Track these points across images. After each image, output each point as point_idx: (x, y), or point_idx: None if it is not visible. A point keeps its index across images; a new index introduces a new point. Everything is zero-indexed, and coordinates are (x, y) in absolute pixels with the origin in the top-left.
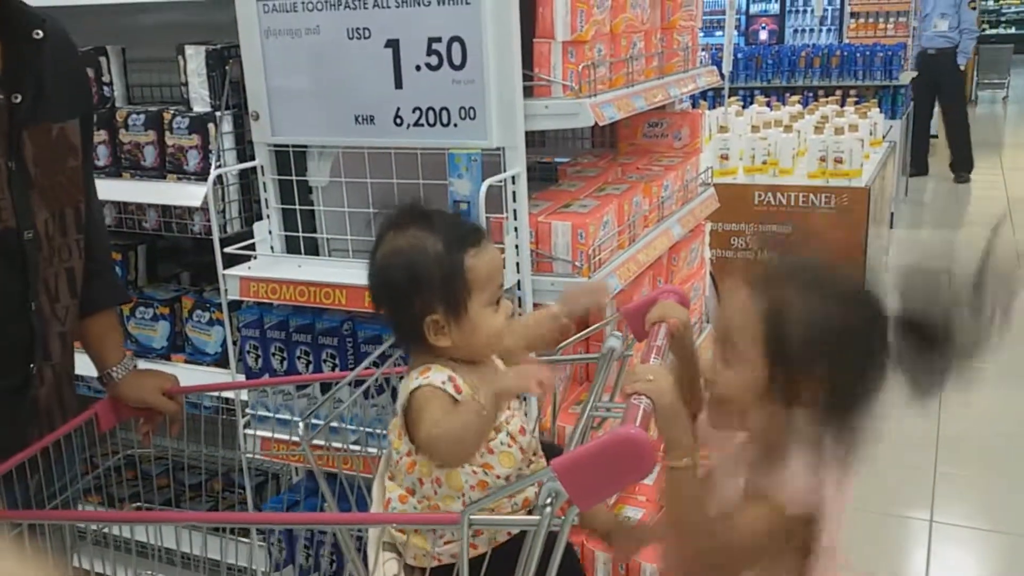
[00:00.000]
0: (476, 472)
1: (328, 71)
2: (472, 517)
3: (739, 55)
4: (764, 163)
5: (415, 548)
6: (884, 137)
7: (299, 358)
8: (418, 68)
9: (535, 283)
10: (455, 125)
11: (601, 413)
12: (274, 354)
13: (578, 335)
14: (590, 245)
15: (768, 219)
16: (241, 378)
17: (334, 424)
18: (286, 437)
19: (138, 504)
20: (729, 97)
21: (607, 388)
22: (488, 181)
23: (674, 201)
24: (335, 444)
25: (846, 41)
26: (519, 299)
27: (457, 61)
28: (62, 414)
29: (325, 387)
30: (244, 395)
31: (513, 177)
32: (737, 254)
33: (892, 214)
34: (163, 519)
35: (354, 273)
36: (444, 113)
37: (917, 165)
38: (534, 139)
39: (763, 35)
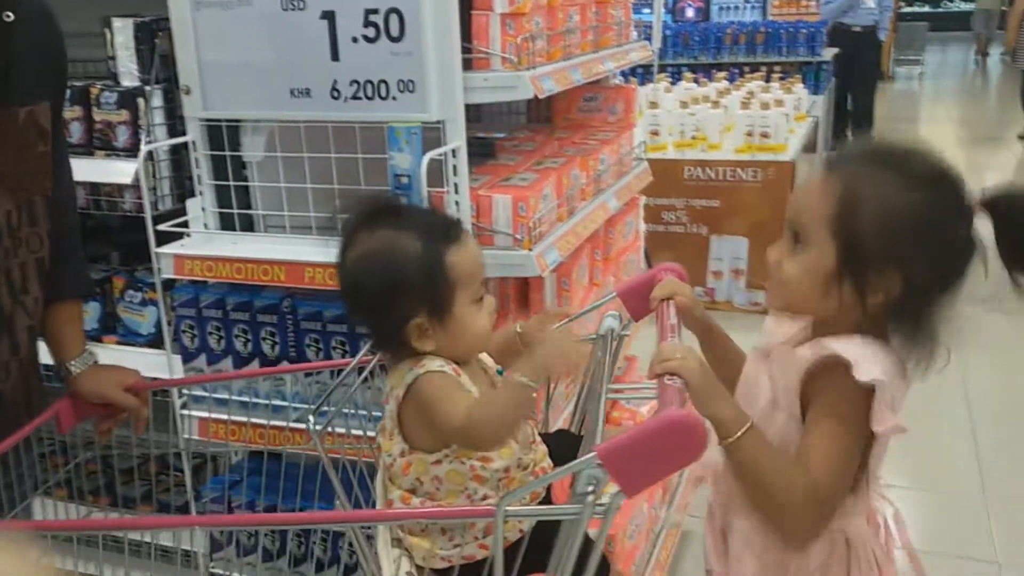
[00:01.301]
0: (474, 466)
1: (262, 43)
2: (508, 508)
3: (667, 32)
4: (693, 139)
5: (423, 549)
6: (808, 112)
7: (237, 337)
8: (355, 40)
9: None
10: (394, 98)
11: (614, 396)
12: (211, 333)
13: (572, 316)
14: (530, 218)
15: (697, 193)
16: (177, 359)
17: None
18: (225, 417)
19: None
20: (658, 74)
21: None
22: (429, 154)
23: (610, 175)
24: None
25: (770, 18)
26: None
27: (395, 33)
28: (28, 409)
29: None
30: (180, 375)
31: (454, 151)
32: (669, 228)
33: None
34: (195, 523)
35: (291, 249)
36: (382, 86)
37: (839, 139)
38: (470, 114)
39: (690, 12)
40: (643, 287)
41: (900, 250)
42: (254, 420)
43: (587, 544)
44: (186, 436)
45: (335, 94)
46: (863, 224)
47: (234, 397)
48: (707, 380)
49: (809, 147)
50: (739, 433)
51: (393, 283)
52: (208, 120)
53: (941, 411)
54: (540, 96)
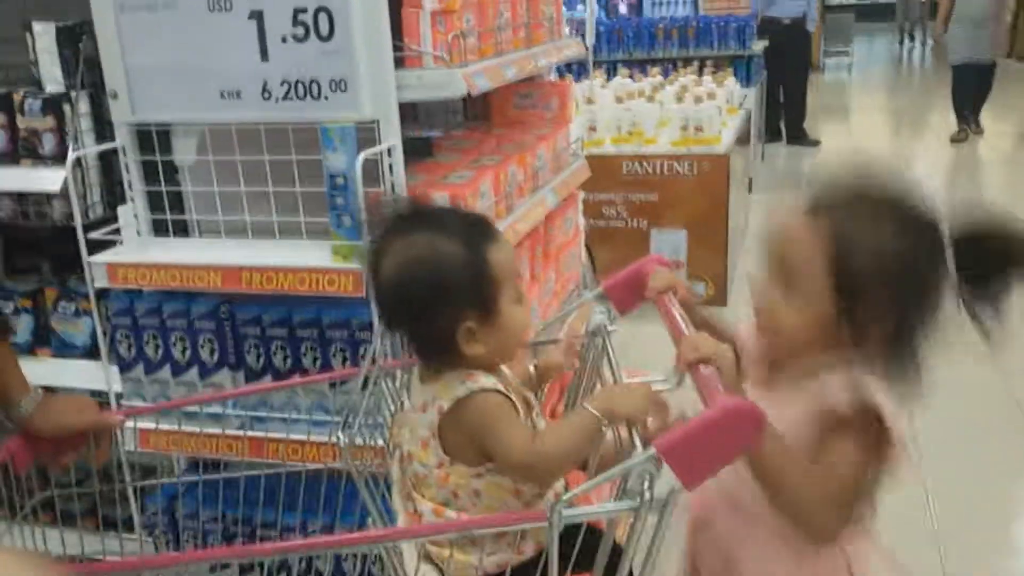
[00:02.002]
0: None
1: (189, 45)
2: (565, 511)
3: (601, 28)
4: (629, 133)
5: (459, 563)
6: (740, 105)
7: (174, 344)
8: (284, 40)
9: None
10: (326, 98)
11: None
12: (147, 342)
13: (560, 315)
14: None
15: (636, 188)
16: (113, 369)
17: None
18: (170, 427)
19: None
20: (594, 70)
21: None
22: (364, 154)
23: (547, 171)
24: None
25: (702, 13)
26: None
27: (324, 31)
28: None
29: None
30: (117, 386)
31: (389, 150)
32: (609, 223)
33: (751, 179)
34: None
35: (227, 254)
36: (314, 86)
37: (771, 131)
38: (406, 113)
39: (623, 8)
40: (627, 282)
41: (895, 292)
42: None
43: (614, 549)
44: (127, 448)
45: (266, 95)
46: (862, 270)
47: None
48: (734, 368)
49: (743, 139)
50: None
51: (441, 288)
52: (137, 125)
53: None
54: (473, 93)
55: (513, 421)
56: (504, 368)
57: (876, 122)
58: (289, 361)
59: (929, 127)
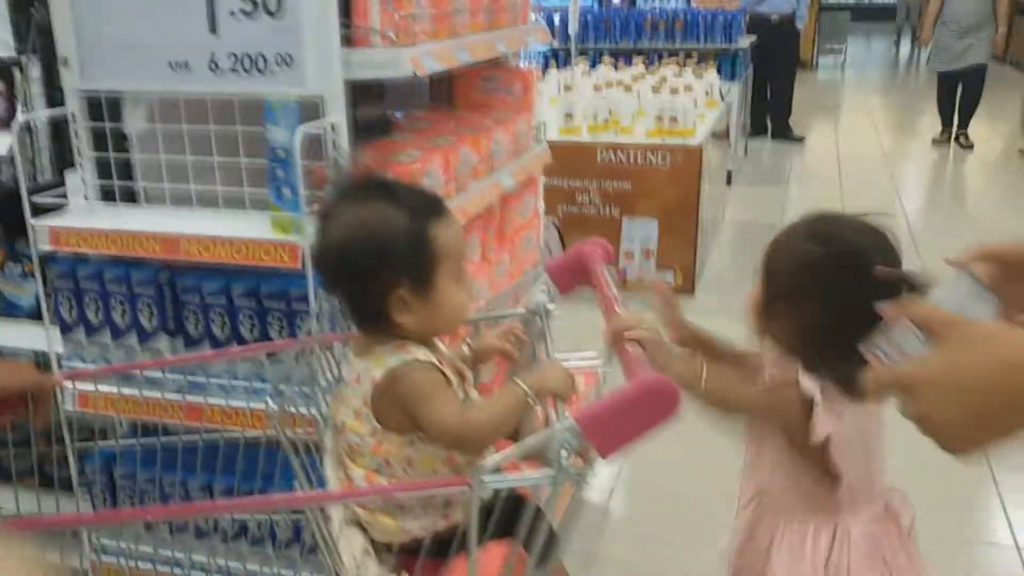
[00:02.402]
0: (444, 451)
1: (140, 15)
2: (485, 479)
3: (589, 17)
4: (606, 122)
5: (385, 526)
6: (723, 98)
7: (115, 309)
8: (233, 13)
9: None
10: (272, 72)
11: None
12: (88, 306)
13: (502, 292)
14: None
15: (610, 176)
16: (55, 331)
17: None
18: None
19: None
20: (579, 57)
21: None
22: (303, 128)
23: (505, 154)
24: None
25: (693, 6)
26: None
27: (273, 7)
28: None
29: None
30: (59, 347)
31: (333, 126)
32: (582, 210)
33: (730, 172)
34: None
35: (171, 222)
36: (260, 59)
37: (756, 126)
38: (373, 93)
39: None
40: (569, 263)
41: (795, 291)
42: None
43: (536, 514)
44: (67, 408)
45: (213, 67)
46: (776, 269)
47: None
48: (661, 344)
49: (721, 133)
50: (703, 378)
51: (380, 253)
52: (87, 92)
53: None
54: (420, 74)
55: (444, 392)
56: (439, 343)
57: (862, 121)
58: (227, 330)
59: (913, 128)
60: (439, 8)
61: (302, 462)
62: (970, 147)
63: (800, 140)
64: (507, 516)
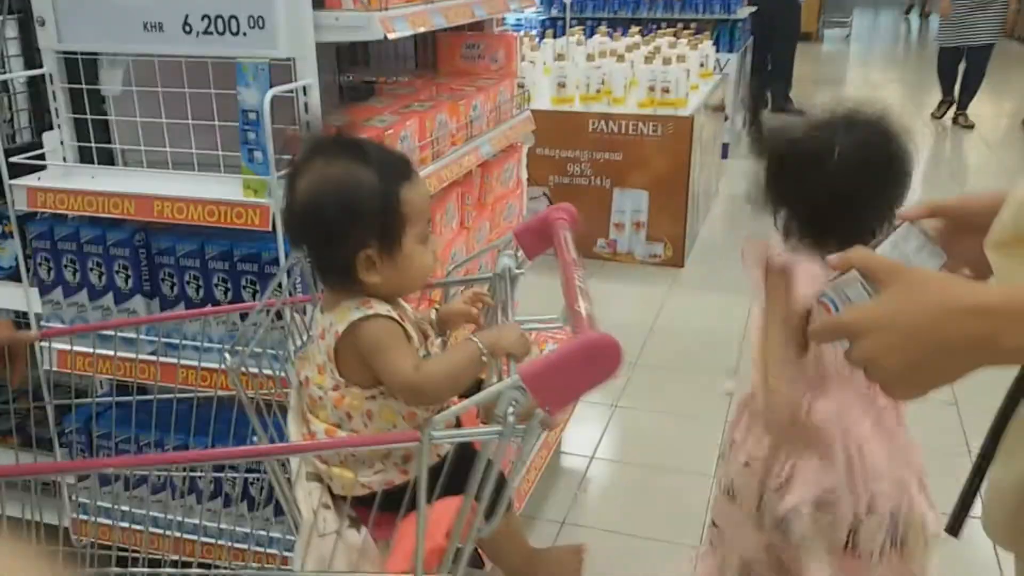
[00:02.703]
0: (404, 406)
1: None
2: (434, 433)
3: None
4: (598, 92)
5: (343, 478)
6: (722, 69)
7: (91, 270)
8: None
9: None
10: (244, 34)
11: (528, 325)
12: (66, 266)
13: (471, 256)
14: None
15: (601, 146)
16: (34, 291)
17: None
18: (86, 350)
19: None
20: (577, 27)
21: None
22: (273, 90)
23: (485, 121)
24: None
25: None
26: None
27: None
28: None
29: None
30: (37, 307)
31: (304, 88)
32: (573, 180)
33: (727, 144)
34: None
35: (146, 183)
36: (233, 21)
37: (759, 98)
38: (357, 58)
39: None
40: (536, 228)
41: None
42: (117, 353)
43: (487, 468)
44: (46, 368)
45: (187, 28)
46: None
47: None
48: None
49: (716, 104)
50: None
51: (349, 211)
52: (64, 52)
53: None
54: (391, 37)
55: (402, 345)
56: (404, 303)
57: (864, 93)
58: (201, 291)
59: (916, 103)
60: None
61: (263, 419)
62: (970, 127)
63: (801, 114)
64: (462, 471)
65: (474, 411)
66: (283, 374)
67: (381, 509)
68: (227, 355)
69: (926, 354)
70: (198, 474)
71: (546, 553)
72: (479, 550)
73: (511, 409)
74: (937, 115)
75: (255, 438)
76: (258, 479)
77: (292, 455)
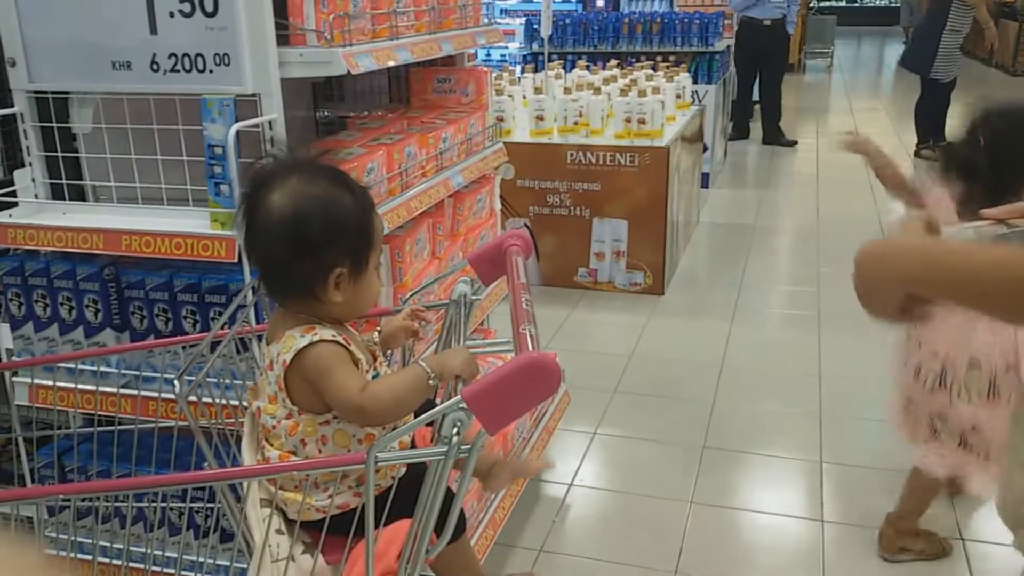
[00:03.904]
0: (358, 429)
1: (83, 17)
2: (378, 455)
3: (567, 21)
4: (576, 124)
5: (296, 504)
6: (699, 101)
7: (62, 304)
8: (172, 15)
9: None
10: (210, 71)
11: (480, 350)
12: (36, 301)
13: (426, 284)
14: None
15: (579, 177)
16: (5, 328)
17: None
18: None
19: None
20: (554, 61)
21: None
22: (237, 126)
23: (455, 153)
24: (205, 399)
25: (676, 9)
26: None
27: (209, 8)
28: None
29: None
30: (8, 343)
31: (270, 123)
32: (553, 211)
33: (706, 174)
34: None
35: (116, 219)
36: (199, 59)
37: (739, 129)
38: (332, 94)
39: (600, 2)
40: (490, 254)
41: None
42: (82, 387)
43: (447, 496)
44: (18, 403)
45: (155, 67)
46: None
47: (64, 365)
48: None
49: (694, 135)
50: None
51: (333, 230)
52: (35, 92)
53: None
54: (354, 72)
55: (346, 367)
56: (349, 327)
57: (846, 124)
58: (171, 324)
59: (896, 131)
60: (379, 8)
61: (215, 447)
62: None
63: (792, 144)
64: (415, 493)
65: (428, 432)
66: (236, 403)
67: (334, 532)
68: (176, 383)
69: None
70: (145, 503)
71: None
72: None
73: (455, 429)
74: (932, 155)
75: (205, 464)
76: (203, 508)
77: (242, 479)
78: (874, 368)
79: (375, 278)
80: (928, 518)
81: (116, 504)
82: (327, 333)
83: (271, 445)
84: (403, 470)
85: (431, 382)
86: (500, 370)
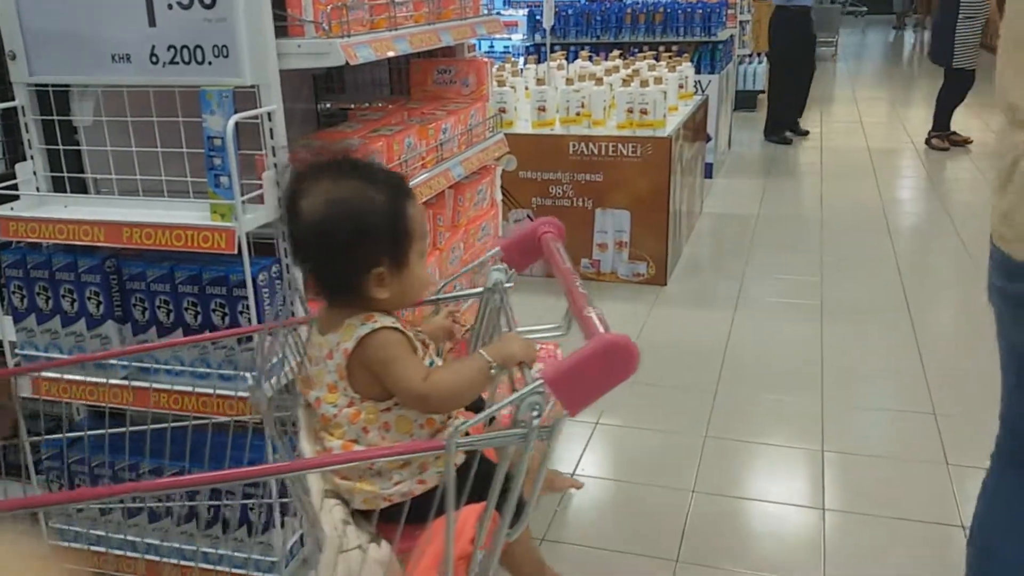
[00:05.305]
0: (420, 415)
1: (83, 10)
2: (459, 440)
3: (570, 11)
4: (578, 115)
5: (363, 493)
6: (703, 91)
7: (64, 297)
8: (170, 7)
9: None
10: (209, 63)
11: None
12: (39, 293)
13: (460, 271)
14: None
15: (582, 168)
16: (8, 320)
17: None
18: (65, 376)
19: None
20: (557, 51)
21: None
22: (236, 117)
23: (455, 144)
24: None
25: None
26: None
27: (208, 0)
28: None
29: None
30: (12, 335)
31: (269, 114)
32: (556, 202)
33: (709, 164)
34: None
35: (117, 211)
36: (198, 51)
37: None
38: (333, 85)
39: None
40: (522, 241)
41: None
42: (91, 379)
43: (505, 480)
44: (22, 395)
45: (154, 59)
46: None
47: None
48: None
49: (698, 125)
50: None
51: (364, 230)
52: (35, 85)
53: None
54: (353, 63)
55: (410, 355)
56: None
57: (850, 113)
58: (172, 315)
59: (901, 120)
60: None
61: (281, 435)
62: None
63: (805, 134)
64: (480, 480)
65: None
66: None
67: (396, 521)
68: (251, 381)
69: None
70: (196, 501)
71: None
72: None
73: (534, 412)
74: (943, 145)
75: (276, 456)
76: (234, 503)
77: (312, 471)
78: (876, 358)
79: (421, 268)
80: None
81: (167, 504)
82: (387, 320)
83: (331, 435)
84: (463, 457)
85: (492, 371)
86: (579, 353)
